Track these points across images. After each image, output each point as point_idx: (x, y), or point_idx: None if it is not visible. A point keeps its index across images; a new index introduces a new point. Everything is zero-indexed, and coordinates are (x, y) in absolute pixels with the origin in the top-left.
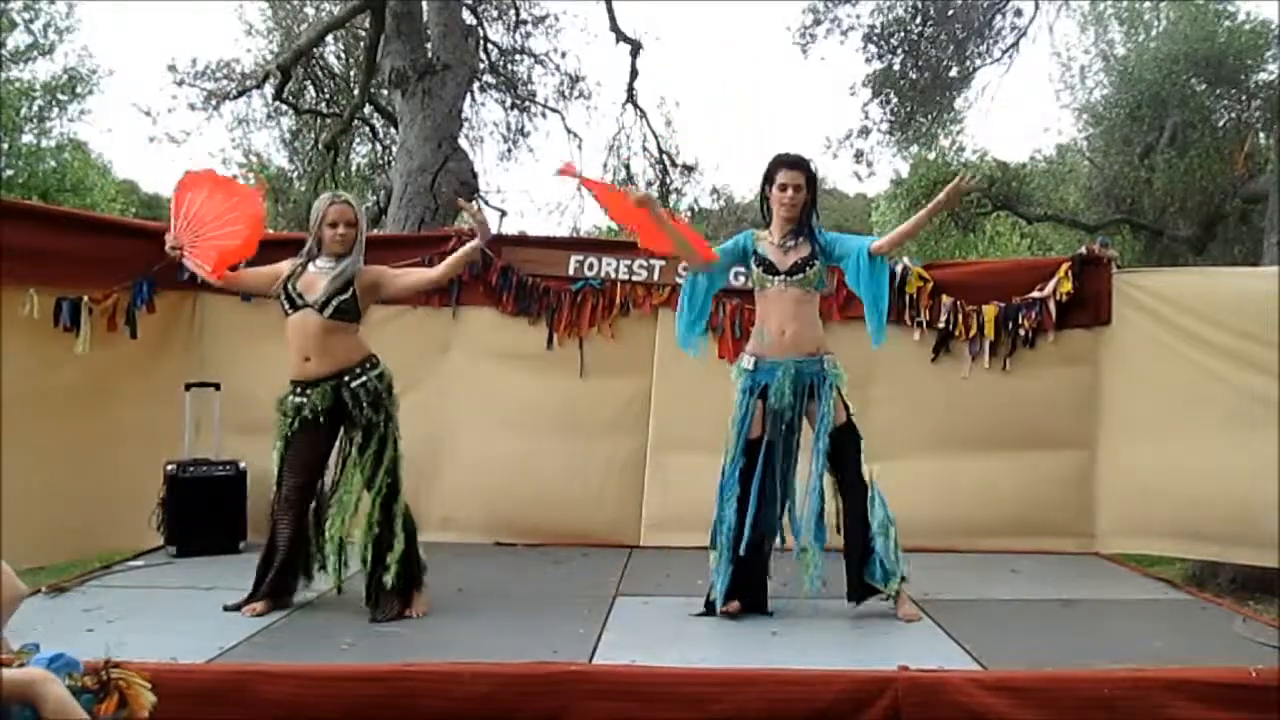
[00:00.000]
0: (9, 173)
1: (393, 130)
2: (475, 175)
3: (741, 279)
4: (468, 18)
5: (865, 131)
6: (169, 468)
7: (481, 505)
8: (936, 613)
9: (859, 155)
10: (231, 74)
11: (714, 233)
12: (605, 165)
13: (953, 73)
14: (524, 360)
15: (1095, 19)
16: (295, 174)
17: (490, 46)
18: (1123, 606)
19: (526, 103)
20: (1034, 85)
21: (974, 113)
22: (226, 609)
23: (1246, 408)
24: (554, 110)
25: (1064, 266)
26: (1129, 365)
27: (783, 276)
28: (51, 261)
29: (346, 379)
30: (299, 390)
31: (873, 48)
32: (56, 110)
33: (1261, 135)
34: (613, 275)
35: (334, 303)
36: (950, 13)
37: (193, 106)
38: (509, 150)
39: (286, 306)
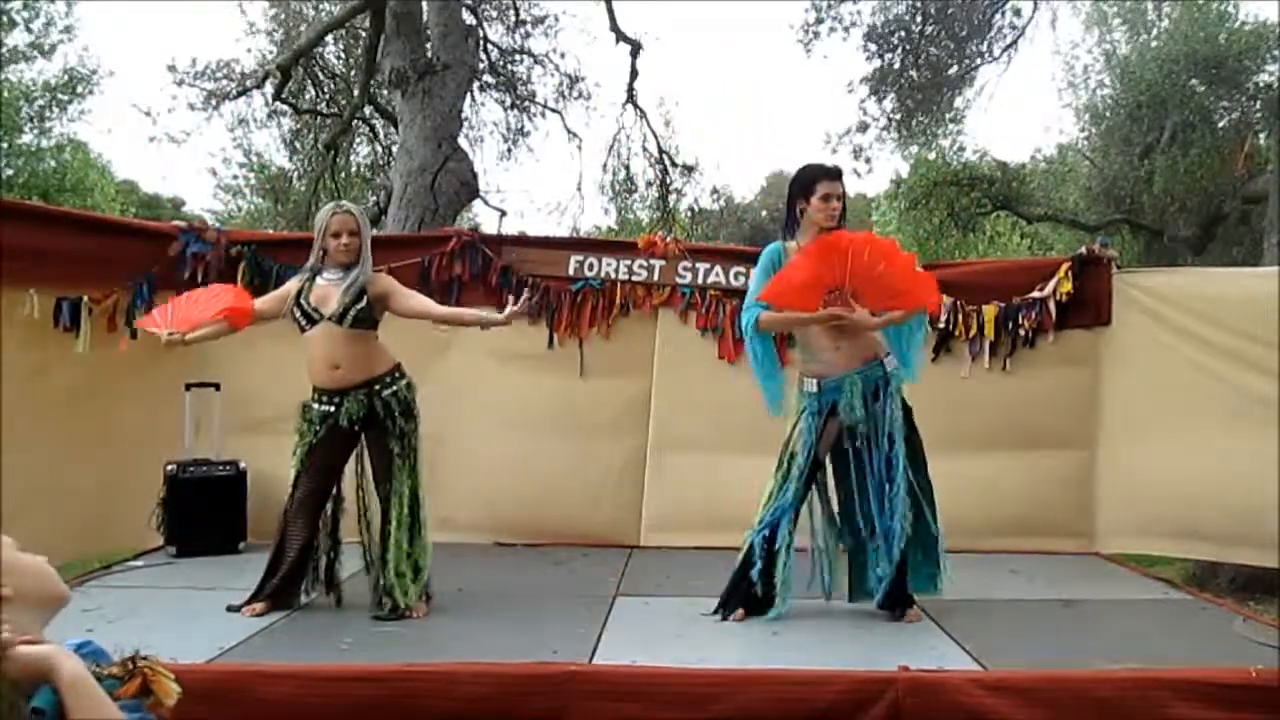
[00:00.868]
0: (9, 173)
1: (393, 130)
2: (475, 175)
3: (741, 279)
4: (468, 18)
5: (864, 127)
6: (169, 468)
7: (481, 505)
8: (936, 613)
9: (858, 151)
10: (231, 74)
11: (714, 233)
12: (605, 165)
13: (952, 71)
14: (524, 360)
15: (1099, 19)
16: (295, 174)
17: (490, 47)
18: (1123, 606)
19: (526, 103)
20: (1034, 85)
21: (974, 112)
22: (230, 610)
23: (1246, 408)
24: (554, 110)
25: (1064, 266)
26: (1129, 365)
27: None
28: (51, 261)
29: (378, 388)
30: (327, 398)
31: (873, 46)
32: (56, 110)
33: (1261, 135)
34: (613, 275)
35: (351, 313)
36: (950, 11)
37: (193, 106)
38: (509, 150)
39: (303, 322)
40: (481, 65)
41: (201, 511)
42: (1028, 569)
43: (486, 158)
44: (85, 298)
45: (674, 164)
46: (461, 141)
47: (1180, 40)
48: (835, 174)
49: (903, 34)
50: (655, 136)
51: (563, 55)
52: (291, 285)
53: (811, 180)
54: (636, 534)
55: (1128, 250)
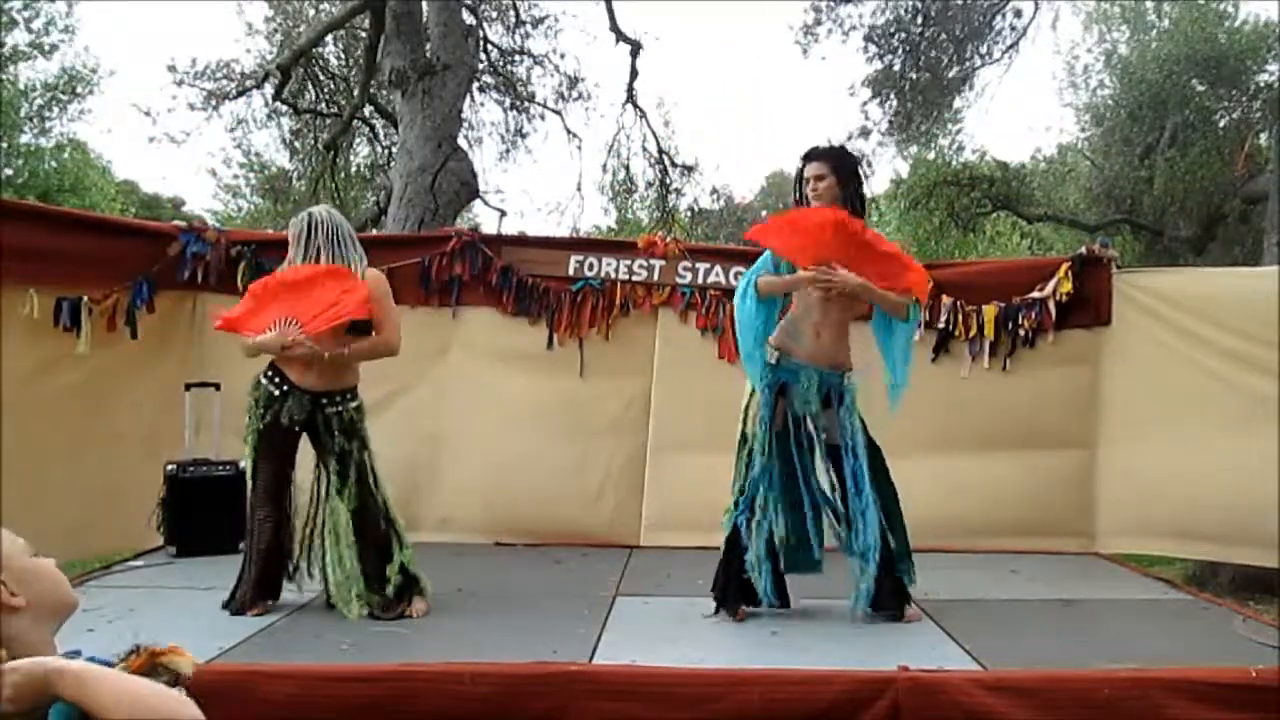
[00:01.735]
0: (9, 173)
1: (393, 130)
2: (475, 175)
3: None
4: (467, 18)
5: (865, 132)
6: (169, 468)
7: (481, 505)
8: (936, 613)
9: (859, 156)
10: (231, 74)
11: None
12: (605, 166)
13: (952, 73)
14: (524, 360)
15: (1100, 18)
16: (295, 174)
17: (490, 47)
18: (1123, 606)
19: (526, 103)
20: (1034, 85)
21: (974, 112)
22: (226, 608)
23: (1246, 408)
24: (554, 111)
25: (1064, 266)
26: (1129, 365)
27: None
28: (51, 261)
29: (324, 401)
30: (279, 380)
31: (873, 48)
32: (56, 110)
33: (1261, 135)
34: (613, 275)
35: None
36: (950, 13)
37: (192, 106)
38: (508, 150)
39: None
40: (481, 65)
41: (201, 511)
42: (1028, 569)
43: (486, 158)
44: (85, 298)
45: (674, 164)
46: (461, 141)
47: (1180, 40)
48: (812, 154)
49: (903, 35)
50: (655, 136)
51: (563, 55)
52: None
53: (800, 167)
54: (636, 534)
55: (1128, 250)
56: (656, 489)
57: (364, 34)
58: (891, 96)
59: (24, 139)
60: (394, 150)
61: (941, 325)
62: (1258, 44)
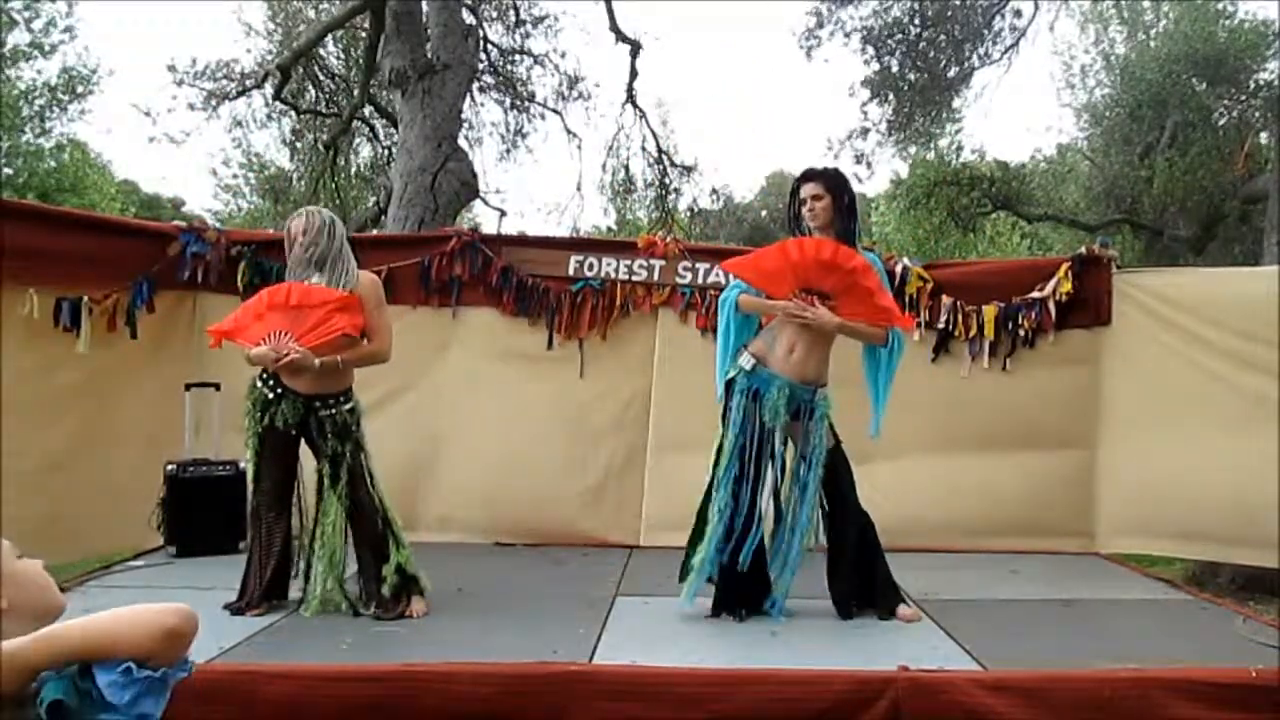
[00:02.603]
0: (9, 172)
1: (393, 130)
2: (475, 175)
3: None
4: (468, 18)
5: (865, 132)
6: (169, 468)
7: (481, 505)
8: (936, 613)
9: (859, 157)
10: (231, 74)
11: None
12: (604, 166)
13: (951, 73)
14: (524, 360)
15: (1096, 18)
16: (295, 174)
17: (490, 46)
18: (1123, 606)
19: (526, 103)
20: (1034, 85)
21: (973, 113)
22: (232, 611)
23: (1246, 408)
24: (554, 111)
25: (1064, 266)
26: (1129, 365)
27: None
28: (51, 261)
29: (317, 404)
30: (272, 384)
31: (871, 49)
32: (56, 110)
33: (1262, 135)
34: (613, 275)
35: None
36: (949, 14)
37: (192, 107)
38: (509, 150)
39: None
40: (481, 65)
41: (201, 511)
42: (1028, 569)
43: (486, 158)
44: (85, 298)
45: (673, 164)
46: (461, 141)
47: (1180, 40)
48: (805, 176)
49: (901, 36)
50: (655, 136)
51: (563, 55)
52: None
53: (795, 186)
54: (636, 534)
55: (1128, 250)
56: (656, 489)
57: (364, 34)
58: (891, 97)
59: (24, 139)
60: (394, 150)
61: (941, 325)
62: (1257, 43)
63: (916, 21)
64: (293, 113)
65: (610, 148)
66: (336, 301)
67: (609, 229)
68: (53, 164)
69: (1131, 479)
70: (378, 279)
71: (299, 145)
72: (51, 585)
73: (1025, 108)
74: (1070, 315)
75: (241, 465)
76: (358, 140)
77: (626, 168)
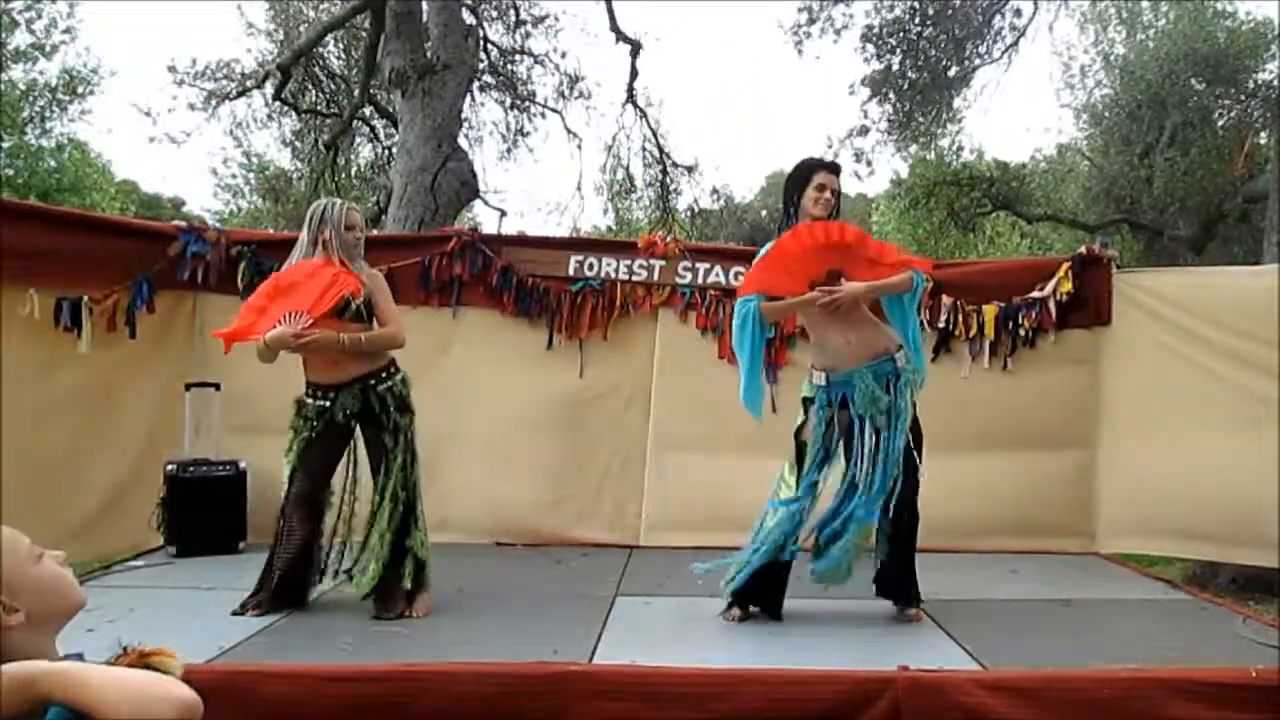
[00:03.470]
0: (9, 173)
1: (393, 130)
2: (475, 175)
3: (741, 279)
4: (468, 18)
5: (864, 131)
6: (169, 468)
7: (481, 505)
8: (936, 613)
9: (859, 155)
10: (231, 74)
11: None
12: (604, 166)
13: (952, 72)
14: (524, 360)
15: (1096, 18)
16: (295, 174)
17: (490, 46)
18: (1123, 606)
19: (526, 103)
20: (1034, 85)
21: (973, 112)
22: (235, 614)
23: (1246, 408)
24: (554, 110)
25: (1064, 266)
26: (1129, 365)
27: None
28: (51, 261)
29: (374, 383)
30: (323, 393)
31: (871, 48)
32: (57, 110)
33: (1261, 135)
34: (613, 275)
35: (353, 307)
36: (949, 13)
37: (193, 107)
38: (509, 150)
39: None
40: (481, 65)
41: (201, 511)
42: (1028, 569)
43: (486, 158)
44: (85, 298)
45: (674, 164)
46: (461, 141)
47: (1179, 40)
48: (834, 168)
49: (901, 35)
50: (655, 136)
51: (563, 55)
52: None
53: (810, 171)
54: (636, 534)
55: (1128, 250)
56: (656, 489)
57: (364, 34)
58: (891, 96)
59: (25, 139)
60: (394, 150)
61: (941, 325)
62: (1257, 43)
63: (917, 20)
64: (293, 113)
65: (610, 147)
66: (331, 268)
67: (609, 229)
68: (53, 164)
69: (1131, 479)
70: (378, 272)
71: (299, 145)
72: (70, 583)
73: (1025, 108)
74: (1070, 315)
75: (241, 466)
76: (358, 140)
77: (626, 168)
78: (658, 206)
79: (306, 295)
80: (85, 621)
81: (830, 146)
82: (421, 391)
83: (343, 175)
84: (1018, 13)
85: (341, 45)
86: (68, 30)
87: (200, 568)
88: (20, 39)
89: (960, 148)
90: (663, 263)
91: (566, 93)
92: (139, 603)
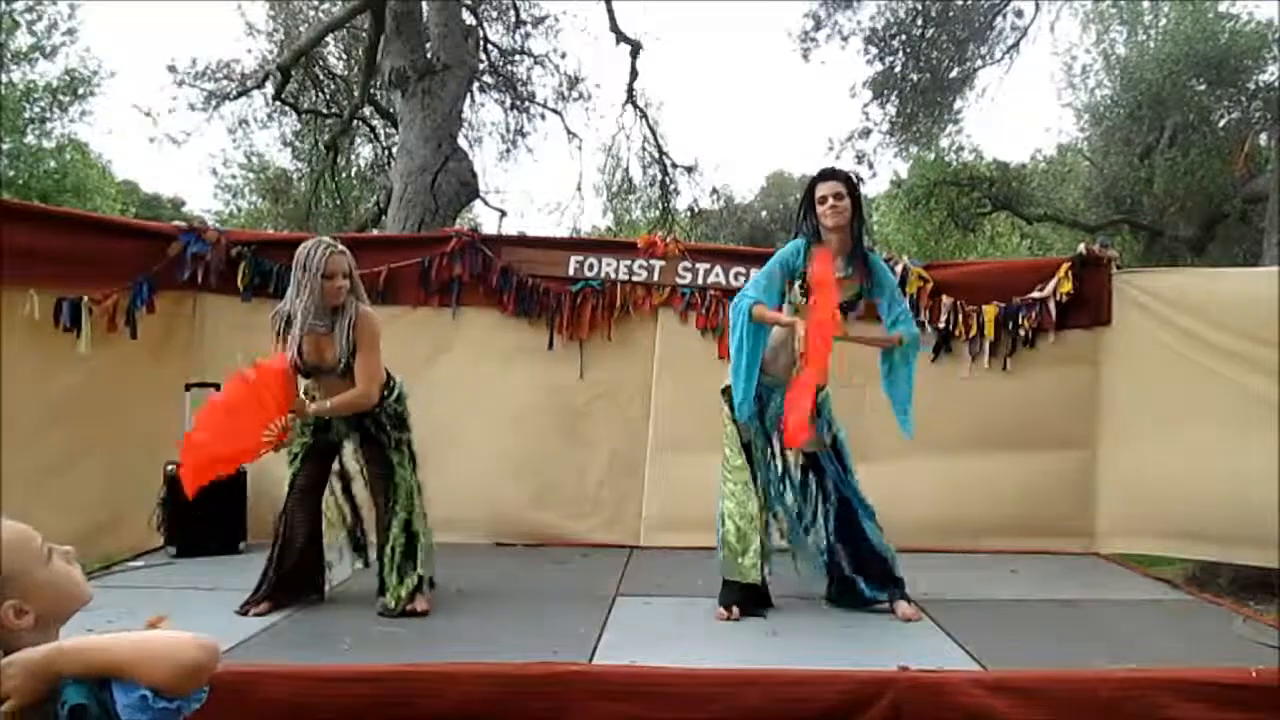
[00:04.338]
0: (10, 173)
1: (393, 130)
2: (475, 175)
3: (741, 279)
4: (468, 18)
5: (866, 133)
6: (169, 468)
7: (482, 505)
8: (936, 613)
9: (860, 157)
10: (232, 74)
11: (714, 233)
12: (604, 166)
13: (953, 74)
14: (524, 361)
15: (1097, 18)
16: (295, 174)
17: (490, 46)
18: (1123, 606)
19: (526, 103)
20: (1034, 85)
21: (974, 113)
22: (239, 613)
23: (1246, 408)
24: (554, 111)
25: (1064, 267)
26: (1129, 365)
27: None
28: (51, 261)
29: (372, 409)
30: (317, 421)
31: (873, 49)
32: (57, 111)
33: (1262, 135)
34: (613, 276)
35: (346, 362)
36: (951, 14)
37: (193, 107)
38: (508, 150)
39: (303, 376)
40: (481, 65)
41: (201, 511)
42: (1028, 569)
43: (486, 158)
44: (85, 298)
45: (673, 164)
46: (461, 141)
47: (1180, 40)
48: (827, 175)
49: (904, 37)
50: (655, 136)
51: (563, 55)
52: (287, 350)
53: (812, 186)
54: (636, 534)
55: (1128, 250)
56: (656, 489)
57: (364, 34)
58: (893, 97)
59: (26, 140)
60: (394, 150)
61: (941, 325)
62: (1257, 44)
63: (919, 22)
64: (293, 113)
65: (610, 148)
66: (271, 375)
67: (609, 229)
68: (53, 165)
69: (1131, 479)
70: (376, 316)
71: (299, 145)
72: (78, 581)
73: (1025, 108)
74: (1070, 315)
75: (241, 466)
76: (358, 140)
77: (626, 168)
78: (657, 207)
79: (264, 404)
80: (85, 621)
81: (831, 148)
82: (422, 392)
83: (343, 175)
84: (1019, 14)
85: (341, 45)
86: (69, 31)
87: (200, 568)
88: (21, 40)
89: (960, 148)
90: (663, 263)
91: (566, 93)
92: (139, 603)
